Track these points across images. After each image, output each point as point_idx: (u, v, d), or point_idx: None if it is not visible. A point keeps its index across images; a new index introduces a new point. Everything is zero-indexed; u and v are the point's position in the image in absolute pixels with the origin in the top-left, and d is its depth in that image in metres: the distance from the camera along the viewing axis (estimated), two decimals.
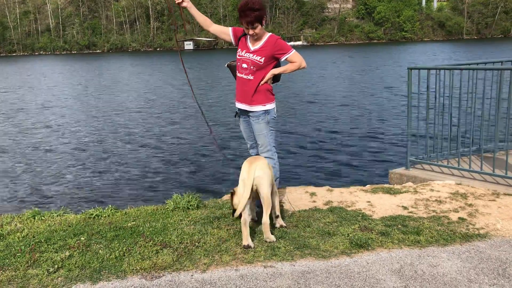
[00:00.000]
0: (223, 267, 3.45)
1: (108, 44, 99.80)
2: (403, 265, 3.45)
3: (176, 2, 4.31)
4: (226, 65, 4.79)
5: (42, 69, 49.96)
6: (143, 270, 3.39)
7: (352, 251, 3.70)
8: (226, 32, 4.60)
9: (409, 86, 6.11)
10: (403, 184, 5.69)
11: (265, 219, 3.90)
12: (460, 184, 5.38)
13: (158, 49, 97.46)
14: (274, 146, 4.60)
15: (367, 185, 5.62)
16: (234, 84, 4.66)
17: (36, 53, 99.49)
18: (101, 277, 3.31)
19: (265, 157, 4.58)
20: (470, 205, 4.69)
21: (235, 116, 4.75)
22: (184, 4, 4.34)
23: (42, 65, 57.85)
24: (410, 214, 4.52)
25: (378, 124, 14.13)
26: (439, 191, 5.16)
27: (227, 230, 4.12)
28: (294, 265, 3.48)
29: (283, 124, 14.49)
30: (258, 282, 3.23)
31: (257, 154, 4.70)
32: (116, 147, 12.30)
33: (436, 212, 4.54)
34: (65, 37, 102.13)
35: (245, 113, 4.56)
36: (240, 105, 4.55)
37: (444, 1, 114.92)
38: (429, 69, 5.96)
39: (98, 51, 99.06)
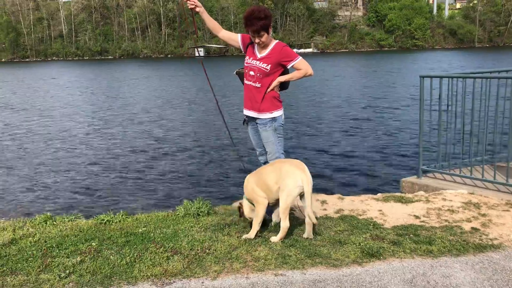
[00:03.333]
0: (234, 274, 3.44)
1: (120, 50, 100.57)
2: (415, 275, 3.41)
3: (189, 7, 4.33)
4: (234, 73, 4.81)
5: (57, 74, 50.50)
6: (153, 277, 3.39)
7: (363, 260, 3.67)
8: (234, 39, 4.62)
9: (421, 94, 6.08)
10: (415, 193, 5.64)
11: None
12: (472, 193, 5.32)
13: (169, 55, 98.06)
14: (282, 153, 4.59)
15: (379, 194, 5.59)
16: (242, 91, 4.67)
17: (48, 59, 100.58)
18: (112, 283, 3.31)
19: None
20: (484, 215, 4.63)
21: (243, 123, 4.76)
22: (198, 9, 4.37)
23: (55, 70, 58.47)
24: (422, 223, 4.48)
25: (390, 132, 14.06)
26: (451, 200, 5.11)
27: (237, 237, 4.11)
28: (305, 274, 3.46)
29: (293, 131, 14.47)
30: None
31: (266, 162, 4.70)
32: (127, 153, 12.36)
33: (449, 222, 4.49)
34: (78, 43, 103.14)
35: (253, 120, 4.57)
36: (247, 112, 4.57)
37: (456, 9, 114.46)
38: (441, 77, 5.93)
39: (110, 57, 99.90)
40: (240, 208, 4.30)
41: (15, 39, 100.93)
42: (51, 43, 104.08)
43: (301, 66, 4.36)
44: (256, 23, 4.19)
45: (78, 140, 14.44)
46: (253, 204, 4.21)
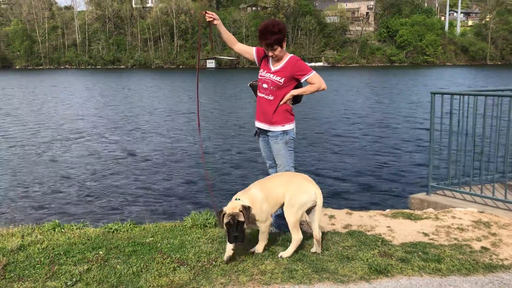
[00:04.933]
0: (240, 287, 3.42)
1: (132, 60, 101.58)
2: None
3: (207, 19, 4.37)
4: (248, 85, 4.84)
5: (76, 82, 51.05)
6: (160, 287, 3.38)
7: (371, 277, 3.64)
8: (249, 52, 4.66)
9: (432, 110, 6.06)
10: (424, 210, 5.60)
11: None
12: (482, 212, 5.27)
13: (181, 66, 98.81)
14: (292, 167, 4.59)
15: (387, 210, 5.55)
16: (254, 103, 4.69)
17: (61, 67, 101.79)
18: None
19: None
20: (494, 234, 4.58)
21: (254, 135, 4.77)
22: (215, 22, 4.40)
23: (67, 78, 59.11)
24: (431, 241, 4.44)
25: (399, 148, 14.00)
26: (461, 218, 5.06)
27: (245, 249, 4.09)
28: None
29: (303, 144, 14.46)
30: None
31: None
32: (136, 162, 12.42)
33: (458, 240, 4.44)
34: (91, 52, 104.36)
35: (264, 132, 4.58)
36: (259, 125, 4.58)
37: (468, 26, 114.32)
38: (452, 94, 5.91)
39: (122, 66, 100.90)
40: (234, 216, 3.68)
41: (30, 47, 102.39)
42: (64, 52, 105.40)
43: (314, 80, 4.38)
44: (270, 37, 4.23)
45: (85, 148, 14.53)
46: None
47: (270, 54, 4.34)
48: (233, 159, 12.55)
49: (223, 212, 3.71)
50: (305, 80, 4.43)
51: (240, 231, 3.65)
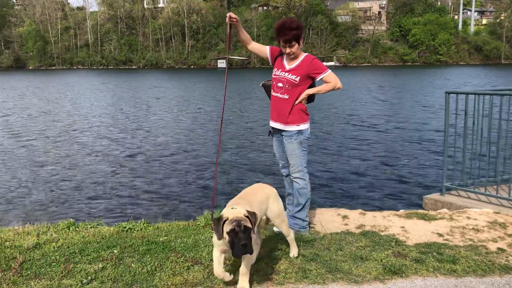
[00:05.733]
0: (254, 287, 3.43)
1: (144, 61, 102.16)
2: None
3: (229, 21, 4.30)
4: (261, 85, 4.83)
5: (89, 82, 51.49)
6: (174, 286, 3.40)
7: (385, 277, 3.62)
8: (263, 51, 4.66)
9: (446, 110, 6.00)
10: (438, 211, 5.55)
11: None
12: (498, 213, 5.21)
13: (192, 66, 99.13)
14: (305, 167, 4.58)
15: (401, 210, 5.51)
16: (265, 102, 4.68)
17: (74, 67, 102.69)
18: None
19: (297, 177, 4.56)
20: (510, 235, 4.53)
21: (268, 135, 4.76)
22: (237, 23, 4.36)
23: (82, 78, 59.61)
24: (446, 241, 4.40)
25: (413, 148, 13.90)
26: (476, 219, 5.01)
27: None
28: None
29: (316, 145, 14.42)
30: None
31: (289, 174, 4.69)
32: (147, 162, 12.48)
33: (473, 241, 4.40)
34: (103, 52, 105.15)
35: (279, 132, 4.57)
36: (274, 124, 4.56)
37: (482, 25, 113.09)
38: (467, 93, 5.85)
39: (134, 67, 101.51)
40: (239, 221, 3.09)
41: (43, 48, 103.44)
42: (77, 52, 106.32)
43: (330, 79, 4.37)
44: (288, 33, 4.23)
45: (97, 147, 14.64)
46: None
47: (287, 51, 4.32)
48: (245, 160, 12.56)
49: (224, 219, 3.11)
50: (321, 79, 4.41)
51: (248, 238, 3.05)
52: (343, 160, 12.37)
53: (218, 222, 3.12)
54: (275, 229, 4.68)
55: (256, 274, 3.60)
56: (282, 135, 4.54)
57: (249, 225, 3.09)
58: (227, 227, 3.07)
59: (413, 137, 15.69)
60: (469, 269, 3.77)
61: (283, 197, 4.08)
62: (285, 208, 4.81)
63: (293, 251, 3.96)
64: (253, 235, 3.14)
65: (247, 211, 3.16)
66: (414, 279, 3.61)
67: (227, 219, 3.09)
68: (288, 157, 4.56)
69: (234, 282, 3.40)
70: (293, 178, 4.58)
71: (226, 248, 3.21)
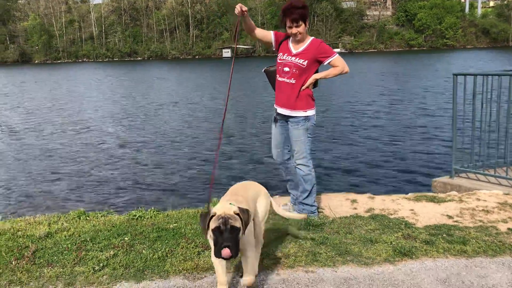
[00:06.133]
0: (264, 270, 3.45)
1: (149, 52, 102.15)
2: (450, 275, 3.34)
3: (238, 14, 4.22)
4: (263, 70, 4.76)
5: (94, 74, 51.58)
6: (185, 271, 3.43)
7: (395, 259, 3.62)
8: (268, 36, 4.61)
9: (454, 93, 5.96)
10: (448, 193, 5.53)
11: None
12: (508, 194, 5.18)
13: (197, 56, 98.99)
14: (309, 153, 4.54)
15: (410, 193, 5.50)
16: (268, 89, 4.62)
17: (79, 60, 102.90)
18: (144, 277, 3.37)
19: (300, 164, 4.52)
20: None
21: (273, 121, 4.65)
22: (246, 14, 4.30)
23: (90, 71, 59.71)
24: (456, 223, 4.39)
25: (421, 131, 13.82)
26: (485, 200, 4.99)
27: (267, 235, 4.10)
28: (336, 271, 3.44)
29: (324, 130, 14.38)
30: (300, 286, 3.21)
31: (284, 162, 4.64)
32: (156, 150, 12.52)
33: (483, 222, 4.39)
34: (108, 44, 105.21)
35: (284, 118, 4.51)
36: (280, 110, 4.49)
37: (489, 7, 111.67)
38: (475, 75, 5.80)
39: (139, 58, 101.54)
40: (226, 219, 2.71)
41: (48, 41, 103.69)
42: (82, 45, 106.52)
43: (338, 63, 4.34)
44: (294, 11, 4.19)
45: (102, 138, 14.70)
46: None
47: (294, 31, 4.26)
48: (247, 148, 12.56)
49: (211, 214, 2.77)
50: (328, 63, 4.38)
51: (233, 240, 2.67)
52: (351, 145, 12.34)
53: (205, 217, 2.78)
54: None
55: (267, 258, 3.62)
56: (287, 121, 4.49)
57: (237, 224, 2.70)
58: (212, 224, 2.72)
59: (421, 121, 15.60)
60: (480, 249, 3.77)
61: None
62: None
63: (246, 276, 3.03)
64: (256, 228, 2.84)
65: (239, 207, 2.78)
66: (424, 260, 3.61)
67: (214, 215, 2.74)
68: (293, 143, 4.52)
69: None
70: (297, 165, 4.54)
71: None
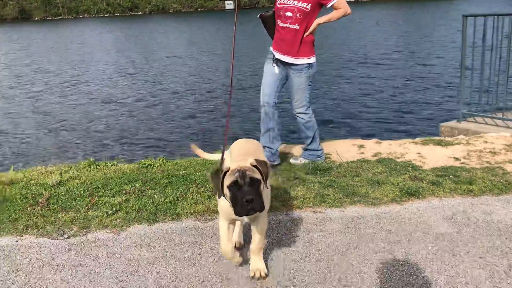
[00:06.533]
0: (273, 212, 3.52)
1: (150, 6, 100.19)
2: (456, 213, 3.40)
3: None
4: (258, 16, 4.57)
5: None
6: (196, 213, 3.51)
7: (402, 199, 3.68)
8: None
9: (463, 35, 5.85)
10: (455, 137, 5.53)
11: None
12: None
13: (199, 9, 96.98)
14: (309, 101, 4.46)
15: (417, 138, 5.51)
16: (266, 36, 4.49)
17: (80, 16, 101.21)
18: (157, 219, 3.45)
19: (300, 113, 4.44)
20: None
21: (273, 61, 4.39)
22: None
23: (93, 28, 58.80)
24: (462, 165, 4.42)
25: (429, 77, 13.62)
26: (493, 142, 4.99)
27: (275, 179, 4.16)
28: (343, 211, 3.51)
29: (331, 76, 14.22)
30: (308, 225, 3.28)
31: (273, 104, 4.46)
32: (163, 100, 12.49)
33: (490, 163, 4.41)
34: None
35: (285, 65, 4.35)
36: (282, 57, 4.31)
37: None
38: (486, 15, 5.66)
39: (140, 12, 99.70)
40: (244, 171, 2.36)
41: None
42: (82, 0, 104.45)
43: (340, 5, 4.22)
44: None
45: (108, 91, 14.66)
46: None
47: None
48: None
49: (225, 170, 2.41)
50: (331, 6, 4.27)
51: (256, 193, 2.33)
52: (358, 90, 12.23)
53: (217, 175, 2.44)
54: (291, 160, 4.74)
55: (275, 201, 3.68)
56: (289, 68, 4.35)
57: (257, 176, 2.38)
58: (228, 180, 2.37)
59: (428, 68, 15.37)
60: (486, 188, 3.81)
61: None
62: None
63: (256, 245, 2.72)
64: (265, 190, 2.45)
65: (256, 159, 2.45)
66: (431, 200, 3.67)
67: (228, 170, 2.40)
68: (293, 91, 4.41)
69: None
70: (297, 113, 4.47)
71: (235, 216, 2.45)
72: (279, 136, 4.63)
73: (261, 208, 2.34)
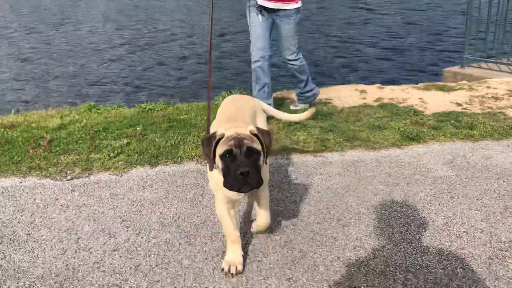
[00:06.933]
0: (274, 155, 3.54)
1: None
2: (455, 157, 3.43)
3: None
4: None
5: None
6: (198, 157, 3.53)
7: (403, 143, 3.70)
8: None
9: None
10: (458, 82, 5.48)
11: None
12: None
13: None
14: (298, 47, 4.27)
15: (420, 83, 5.46)
16: None
17: None
18: (159, 162, 3.48)
19: (291, 60, 4.23)
20: None
21: (259, 14, 4.11)
22: None
23: None
24: (464, 110, 4.41)
25: (433, 21, 13.32)
26: (496, 88, 4.95)
27: (276, 123, 4.15)
28: (343, 155, 3.53)
29: (331, 20, 13.90)
30: (308, 168, 3.31)
31: (267, 57, 4.21)
32: (162, 46, 12.29)
33: (492, 109, 4.40)
34: None
35: (270, 12, 4.10)
36: (269, 4, 4.03)
37: None
38: None
39: None
40: (241, 139, 1.99)
41: None
42: None
43: None
44: None
45: (100, 39, 14.40)
46: None
47: None
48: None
49: (218, 136, 2.04)
50: None
51: (253, 166, 1.97)
52: (359, 35, 12.00)
53: (209, 142, 2.06)
54: (292, 107, 4.71)
55: (276, 144, 3.70)
56: (276, 16, 4.11)
57: (257, 146, 2.01)
58: (221, 148, 2.01)
59: (432, 13, 15.00)
60: (486, 133, 3.82)
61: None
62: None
63: (261, 220, 2.44)
64: (264, 166, 2.10)
65: (257, 127, 2.10)
66: (431, 144, 3.68)
67: (222, 137, 2.03)
68: (282, 39, 4.20)
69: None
70: (288, 61, 4.30)
71: (232, 194, 2.15)
72: (271, 90, 4.43)
73: (258, 184, 1.98)
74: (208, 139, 2.07)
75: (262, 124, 2.64)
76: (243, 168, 1.92)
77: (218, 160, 2.02)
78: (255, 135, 2.05)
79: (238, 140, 1.97)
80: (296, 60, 4.31)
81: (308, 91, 4.57)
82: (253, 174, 1.94)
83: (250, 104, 2.67)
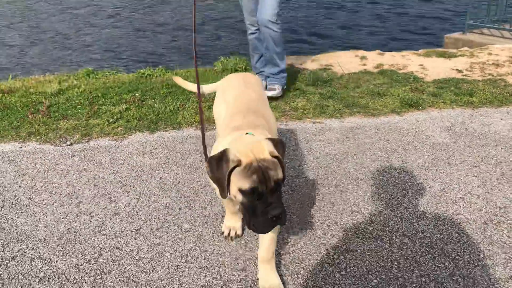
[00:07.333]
0: None
1: None
2: (454, 124, 3.43)
3: None
4: None
5: None
6: (197, 123, 3.53)
7: (402, 110, 3.70)
8: None
9: None
10: (459, 49, 5.43)
11: None
12: None
13: None
14: (280, 10, 3.86)
15: (420, 50, 5.41)
16: None
17: None
18: (158, 128, 3.48)
19: (270, 21, 3.78)
20: None
21: None
22: None
23: None
24: (464, 77, 4.39)
25: None
26: (497, 54, 4.91)
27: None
28: (343, 122, 3.53)
29: None
30: (307, 135, 3.32)
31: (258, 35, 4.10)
32: (159, 12, 12.12)
33: (493, 75, 4.38)
34: None
35: None
36: None
37: None
38: None
39: None
40: (264, 169, 1.63)
41: None
42: None
43: None
44: None
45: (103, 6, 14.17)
46: None
47: None
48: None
49: (234, 163, 1.64)
50: None
51: (281, 203, 1.69)
52: (360, 2, 11.81)
53: (220, 167, 1.67)
54: (268, 93, 4.42)
55: (275, 111, 3.69)
56: None
57: (281, 175, 1.67)
58: (242, 182, 1.63)
59: None
60: (486, 100, 3.82)
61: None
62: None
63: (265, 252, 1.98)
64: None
65: (271, 140, 1.73)
66: (431, 111, 3.68)
67: (239, 164, 1.64)
68: (266, 1, 3.79)
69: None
70: (266, 25, 3.81)
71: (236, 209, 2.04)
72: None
73: (286, 219, 1.70)
74: (218, 162, 1.66)
75: (271, 115, 2.28)
76: (275, 211, 1.62)
77: (236, 192, 1.66)
78: (275, 157, 1.67)
79: (263, 173, 1.61)
80: (277, 24, 3.83)
81: (282, 72, 4.05)
82: (283, 213, 1.65)
83: (260, 86, 2.44)
